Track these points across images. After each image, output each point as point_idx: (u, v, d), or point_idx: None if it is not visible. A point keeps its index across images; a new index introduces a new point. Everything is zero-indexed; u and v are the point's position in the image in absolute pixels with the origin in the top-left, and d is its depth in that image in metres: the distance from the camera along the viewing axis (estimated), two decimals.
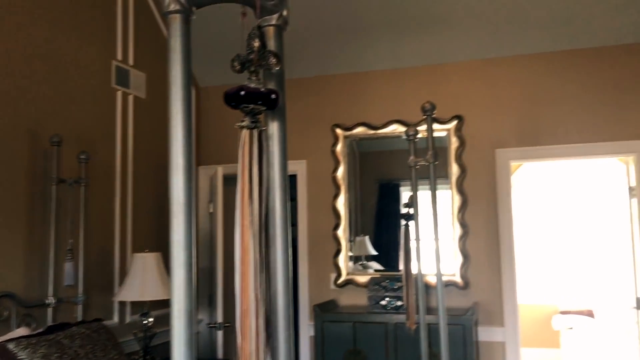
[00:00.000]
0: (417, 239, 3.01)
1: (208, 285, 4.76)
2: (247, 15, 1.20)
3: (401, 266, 3.13)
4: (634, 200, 4.00)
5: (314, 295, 4.51)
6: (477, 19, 3.99)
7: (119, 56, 3.94)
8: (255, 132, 1.05)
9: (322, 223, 4.55)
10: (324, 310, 4.04)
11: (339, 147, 4.52)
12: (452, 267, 4.19)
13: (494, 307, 4.11)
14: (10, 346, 2.52)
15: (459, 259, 4.18)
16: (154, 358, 3.52)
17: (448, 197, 4.24)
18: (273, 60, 1.09)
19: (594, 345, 6.93)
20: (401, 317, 3.76)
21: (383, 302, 4.06)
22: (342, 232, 4.47)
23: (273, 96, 1.07)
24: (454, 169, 4.24)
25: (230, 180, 4.62)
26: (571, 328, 7.07)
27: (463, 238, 4.19)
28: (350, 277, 4.44)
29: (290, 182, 5.06)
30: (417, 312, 3.10)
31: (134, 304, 3.84)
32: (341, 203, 4.49)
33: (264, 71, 1.14)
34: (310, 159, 4.63)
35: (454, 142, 4.26)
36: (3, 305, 2.93)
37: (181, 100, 1.06)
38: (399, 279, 4.05)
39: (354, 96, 4.57)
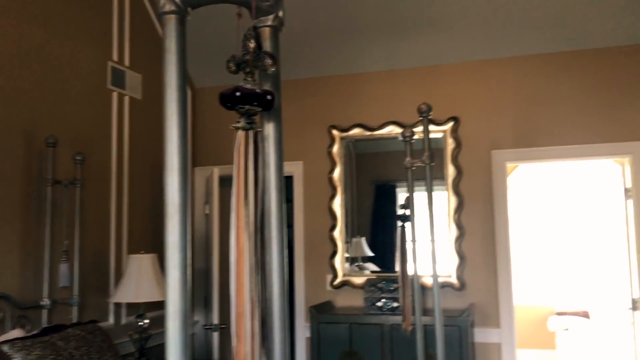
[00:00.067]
0: (413, 240, 3.01)
1: (204, 287, 4.75)
2: (243, 16, 1.19)
3: (397, 267, 3.13)
4: (630, 202, 4.01)
5: (310, 297, 4.51)
6: (473, 21, 4.00)
7: (115, 57, 3.93)
8: (251, 133, 1.05)
9: (318, 224, 4.55)
10: (320, 312, 4.04)
11: (336, 149, 4.52)
12: (448, 269, 4.19)
13: (490, 308, 4.12)
14: (5, 348, 2.51)
15: (455, 260, 4.18)
16: (150, 359, 3.52)
17: (444, 199, 4.24)
18: (269, 61, 1.08)
19: (589, 346, 6.94)
20: (397, 319, 3.76)
21: (379, 304, 4.06)
22: (338, 234, 4.47)
23: (269, 97, 1.06)
24: (450, 170, 4.24)
25: (226, 182, 4.61)
26: (567, 329, 7.08)
27: (459, 239, 4.19)
28: (346, 278, 4.44)
29: (287, 183, 5.05)
30: (413, 314, 3.10)
31: (130, 305, 3.83)
32: (337, 204, 4.48)
33: (259, 72, 1.13)
34: (307, 160, 4.63)
35: (450, 144, 4.26)
36: None
37: (176, 101, 1.06)
38: (395, 280, 4.04)
39: (350, 97, 4.57)
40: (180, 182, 1.04)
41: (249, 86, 1.06)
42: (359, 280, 4.39)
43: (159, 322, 3.88)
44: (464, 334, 3.65)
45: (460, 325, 3.66)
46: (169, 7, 1.08)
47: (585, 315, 7.39)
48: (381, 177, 4.50)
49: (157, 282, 3.41)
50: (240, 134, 1.04)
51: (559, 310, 7.56)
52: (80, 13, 3.64)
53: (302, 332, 4.47)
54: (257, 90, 1.06)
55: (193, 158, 4.88)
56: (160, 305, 3.72)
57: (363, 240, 4.51)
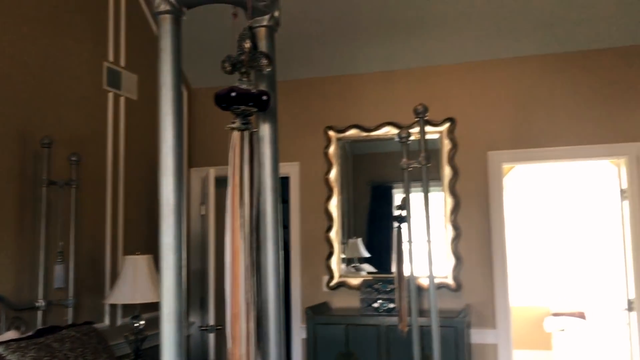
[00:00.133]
0: (410, 241, 3.01)
1: (200, 288, 4.73)
2: (239, 16, 1.19)
3: (394, 268, 3.13)
4: (625, 203, 4.02)
5: (306, 298, 4.50)
6: (469, 22, 4.00)
7: (111, 57, 3.92)
8: (247, 134, 1.04)
9: (314, 225, 4.54)
10: (316, 313, 4.03)
11: (332, 149, 4.52)
12: (444, 269, 4.19)
13: (486, 309, 4.12)
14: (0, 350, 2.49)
15: (451, 261, 4.18)
16: None
17: (440, 200, 4.24)
18: (264, 61, 1.08)
19: (585, 347, 6.95)
20: (393, 320, 3.75)
21: (375, 305, 4.06)
22: (334, 234, 4.47)
23: (264, 97, 1.06)
24: (447, 171, 4.24)
25: (222, 182, 4.59)
26: (563, 330, 7.09)
27: (455, 240, 4.19)
28: (342, 279, 4.43)
29: (283, 184, 5.05)
30: (410, 315, 3.10)
31: (125, 306, 3.82)
32: (334, 205, 4.48)
33: (255, 72, 1.13)
34: (303, 161, 4.62)
35: (447, 145, 4.26)
36: None
37: (171, 101, 1.05)
38: (391, 281, 4.04)
39: (346, 98, 4.57)
40: (175, 182, 1.03)
41: (244, 86, 1.06)
42: (355, 281, 4.38)
43: (155, 323, 3.86)
44: (460, 335, 3.65)
45: (457, 326, 3.66)
46: (164, 6, 1.07)
47: (581, 316, 7.41)
48: (377, 178, 4.50)
49: (152, 283, 3.39)
50: (236, 134, 1.03)
51: (555, 311, 7.57)
52: (75, 13, 3.63)
53: (298, 333, 4.46)
54: (253, 91, 1.05)
55: (189, 159, 4.87)
56: (156, 307, 3.70)
57: (359, 241, 4.50)
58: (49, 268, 3.25)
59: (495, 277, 4.10)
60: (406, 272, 3.04)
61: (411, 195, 3.06)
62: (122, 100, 4.01)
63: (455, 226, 4.20)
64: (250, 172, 1.03)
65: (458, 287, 4.16)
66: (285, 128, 4.63)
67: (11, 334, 2.79)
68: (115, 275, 3.78)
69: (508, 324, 4.05)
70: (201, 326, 4.39)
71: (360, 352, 3.84)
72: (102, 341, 3.07)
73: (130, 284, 3.35)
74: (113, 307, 3.79)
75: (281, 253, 1.15)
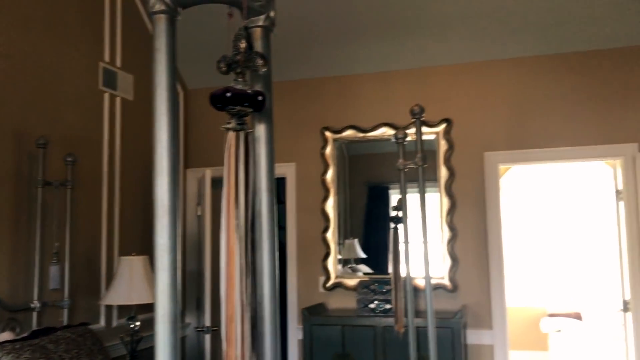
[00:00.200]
0: (406, 241, 3.01)
1: (196, 289, 4.72)
2: (235, 16, 1.18)
3: (390, 269, 3.12)
4: (621, 204, 4.03)
5: (303, 299, 4.50)
6: (466, 23, 4.00)
7: (107, 58, 3.91)
8: (242, 135, 1.04)
9: (311, 226, 4.54)
10: (313, 314, 4.02)
11: (328, 150, 4.51)
12: (440, 270, 4.19)
13: (483, 310, 4.12)
14: None
15: (447, 262, 4.18)
16: None
17: (437, 200, 4.24)
18: (260, 61, 1.07)
19: (581, 347, 6.97)
20: (390, 321, 3.75)
21: (372, 305, 4.06)
22: (331, 235, 4.46)
23: (260, 98, 1.05)
24: (443, 172, 4.24)
25: (218, 183, 4.59)
26: (559, 330, 7.10)
27: (452, 241, 4.19)
28: (339, 280, 4.43)
29: (279, 184, 5.04)
30: (406, 315, 3.09)
31: (121, 307, 3.81)
32: (330, 206, 4.48)
33: (250, 73, 1.12)
34: (300, 162, 4.62)
35: (443, 145, 4.26)
36: None
37: (166, 101, 1.04)
38: (387, 282, 4.04)
39: (343, 99, 4.56)
40: (170, 183, 1.02)
41: (239, 87, 1.05)
42: (351, 282, 4.38)
43: (151, 324, 3.84)
44: (456, 335, 3.65)
45: (453, 327, 3.66)
46: (159, 6, 1.07)
47: (578, 316, 7.42)
48: (374, 179, 4.50)
49: (148, 284, 3.38)
50: (231, 135, 1.03)
51: (552, 312, 7.59)
52: (71, 13, 3.62)
53: (295, 334, 4.46)
54: (248, 91, 1.04)
55: (185, 159, 4.86)
56: (152, 308, 3.69)
57: (356, 242, 4.50)
58: (44, 269, 3.24)
59: (492, 278, 4.10)
60: (402, 273, 3.04)
61: (407, 196, 3.06)
62: (118, 100, 4.00)
63: (452, 227, 4.20)
64: (246, 173, 1.03)
65: (454, 288, 4.16)
66: (282, 129, 4.62)
67: (6, 335, 2.78)
68: (110, 276, 3.77)
69: (504, 325, 4.05)
70: (197, 327, 4.38)
71: (357, 353, 3.84)
72: (98, 342, 3.06)
73: (126, 285, 3.34)
74: (109, 308, 3.78)
75: (277, 254, 1.14)
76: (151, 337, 3.83)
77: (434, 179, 4.24)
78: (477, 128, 4.25)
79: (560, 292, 7.71)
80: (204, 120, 4.86)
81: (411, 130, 3.15)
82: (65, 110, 3.52)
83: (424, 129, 4.15)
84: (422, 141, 2.82)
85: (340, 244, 4.49)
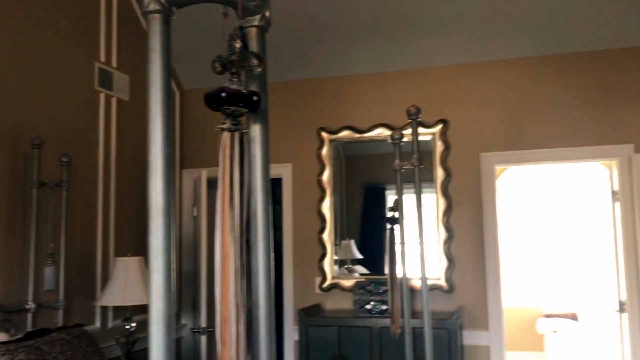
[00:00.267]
0: (402, 242, 3.01)
1: (192, 290, 4.71)
2: (230, 16, 1.18)
3: (386, 270, 3.12)
4: (617, 204, 4.03)
5: (299, 300, 4.49)
6: (462, 23, 4.00)
7: (102, 58, 3.90)
8: (237, 135, 1.03)
9: (307, 226, 4.53)
10: (309, 315, 4.02)
11: (325, 151, 4.51)
12: (437, 271, 4.19)
13: (479, 310, 4.12)
14: None
15: (443, 262, 4.18)
16: None
17: (433, 201, 4.24)
18: (255, 61, 1.07)
19: (577, 348, 6.98)
20: (386, 321, 3.75)
21: (368, 306, 4.05)
22: (327, 236, 4.46)
23: (255, 98, 1.05)
24: (439, 173, 4.24)
25: (214, 184, 4.58)
26: (555, 331, 7.11)
27: (448, 242, 4.19)
28: (335, 281, 4.42)
29: (275, 185, 5.04)
30: (402, 316, 3.09)
31: (117, 308, 3.79)
32: (326, 206, 4.47)
33: (245, 73, 1.12)
34: (296, 162, 4.61)
35: (439, 146, 4.26)
36: None
37: (160, 102, 1.04)
38: (384, 283, 4.04)
39: (339, 100, 4.56)
40: (164, 184, 1.02)
41: (234, 87, 1.05)
42: (348, 282, 4.38)
43: (146, 325, 3.83)
44: (452, 336, 3.65)
45: (449, 327, 3.66)
46: (153, 6, 1.06)
47: (574, 317, 7.43)
48: (370, 180, 4.50)
49: (144, 285, 3.37)
50: (226, 135, 1.02)
51: (548, 313, 7.60)
52: (66, 13, 3.60)
53: (291, 335, 4.45)
54: (243, 91, 1.04)
55: (181, 160, 4.85)
56: (147, 309, 3.68)
57: (352, 243, 4.49)
58: (39, 270, 3.22)
59: (488, 279, 4.10)
60: (399, 274, 3.03)
61: (404, 197, 3.06)
62: (113, 101, 3.99)
63: (448, 228, 4.20)
64: (241, 173, 1.02)
65: (451, 289, 4.16)
66: (278, 129, 4.62)
67: (0, 337, 2.76)
68: (106, 277, 3.75)
69: (501, 326, 4.05)
70: (193, 328, 4.37)
71: (353, 353, 3.83)
72: (93, 344, 3.05)
73: (122, 286, 3.32)
74: (104, 309, 3.76)
75: (272, 255, 1.14)
76: (147, 338, 3.82)
77: (430, 179, 4.24)
78: (474, 129, 4.25)
79: (556, 293, 7.73)
80: (200, 121, 4.85)
81: (407, 131, 3.16)
82: (60, 110, 3.51)
83: (420, 129, 4.16)
84: (419, 142, 2.82)
85: (336, 244, 4.49)
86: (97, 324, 3.71)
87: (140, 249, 4.09)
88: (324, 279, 4.44)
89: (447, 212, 4.21)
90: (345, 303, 4.38)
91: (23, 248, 3.16)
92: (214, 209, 4.43)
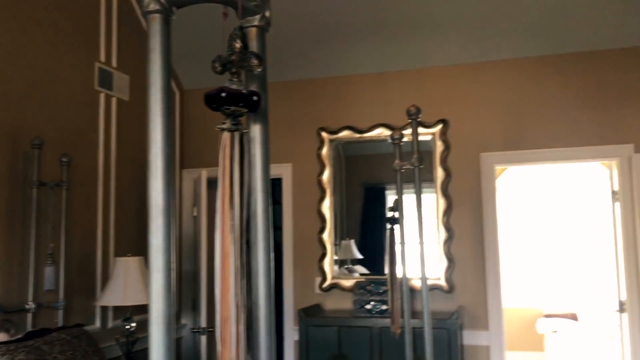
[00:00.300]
0: (402, 242, 3.01)
1: (192, 290, 4.71)
2: (230, 15, 1.18)
3: (386, 270, 3.12)
4: (617, 205, 4.03)
5: (299, 300, 4.49)
6: (462, 23, 4.00)
7: (102, 58, 3.90)
8: (237, 135, 1.03)
9: (307, 226, 4.53)
10: (309, 315, 4.02)
11: (325, 151, 4.51)
12: (437, 271, 4.19)
13: (479, 310, 4.12)
14: None
15: (443, 262, 4.18)
16: None
17: (433, 201, 4.24)
18: (255, 61, 1.07)
19: (578, 348, 6.97)
20: (386, 321, 3.75)
21: (368, 306, 4.05)
22: (327, 236, 4.46)
23: (255, 98, 1.05)
24: (439, 173, 4.24)
25: (214, 184, 4.58)
26: (555, 331, 7.11)
27: (448, 242, 4.19)
28: (335, 281, 4.42)
29: (276, 185, 5.04)
30: (402, 316, 3.09)
31: (117, 308, 3.79)
32: (326, 206, 4.47)
33: (245, 73, 1.12)
34: (296, 162, 4.61)
35: (439, 146, 4.26)
36: None
37: (160, 102, 1.04)
38: (384, 283, 4.04)
39: (339, 99, 4.56)
40: (164, 184, 1.02)
41: (234, 87, 1.05)
42: (348, 282, 4.37)
43: (146, 325, 3.83)
44: (452, 336, 3.65)
45: (449, 327, 3.66)
46: (153, 6, 1.06)
47: (574, 317, 7.43)
48: (370, 180, 4.50)
49: (144, 285, 3.37)
50: (226, 135, 1.02)
51: (548, 313, 7.60)
52: (66, 13, 3.60)
53: (291, 335, 4.45)
54: (243, 91, 1.04)
55: (181, 160, 4.85)
56: (147, 309, 3.68)
57: (352, 243, 4.49)
58: (39, 270, 3.22)
59: (488, 279, 4.10)
60: (399, 274, 3.03)
61: (404, 197, 3.06)
62: (113, 101, 3.99)
63: (448, 228, 4.20)
64: (241, 173, 1.02)
65: (451, 289, 4.16)
66: (278, 129, 4.62)
67: (0, 337, 2.76)
68: (106, 277, 3.75)
69: (501, 326, 4.05)
70: (193, 328, 4.37)
71: (353, 354, 3.83)
72: (93, 344, 3.05)
73: (122, 286, 3.32)
74: (104, 309, 3.76)
75: (272, 255, 1.14)
76: (147, 338, 3.82)
77: (430, 179, 4.24)
78: (474, 129, 4.25)
79: (556, 293, 7.73)
80: (200, 121, 4.85)
81: (407, 131, 3.15)
82: (60, 110, 3.51)
83: (420, 129, 4.16)
84: (419, 142, 2.82)
85: (336, 244, 4.49)
86: (97, 324, 3.71)
87: (140, 249, 4.09)
88: (324, 279, 4.44)
89: (447, 212, 4.21)
90: (345, 303, 4.38)
91: (23, 248, 3.16)
92: (214, 209, 4.43)
